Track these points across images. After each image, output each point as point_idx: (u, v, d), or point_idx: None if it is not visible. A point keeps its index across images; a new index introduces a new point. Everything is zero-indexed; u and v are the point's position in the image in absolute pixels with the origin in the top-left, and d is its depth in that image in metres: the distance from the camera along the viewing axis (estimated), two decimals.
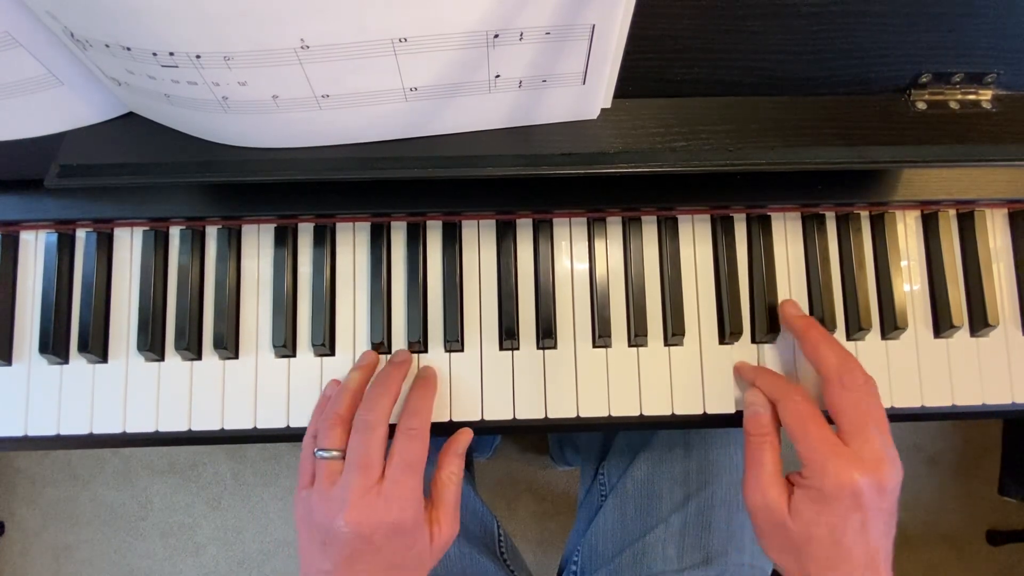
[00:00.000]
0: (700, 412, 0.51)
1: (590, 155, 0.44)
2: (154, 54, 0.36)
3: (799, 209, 0.53)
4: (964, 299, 0.53)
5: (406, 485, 0.44)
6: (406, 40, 0.37)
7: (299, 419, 0.50)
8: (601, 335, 0.51)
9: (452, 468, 0.49)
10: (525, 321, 0.52)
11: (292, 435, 0.51)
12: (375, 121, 0.43)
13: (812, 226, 0.53)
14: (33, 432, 0.50)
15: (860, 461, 0.42)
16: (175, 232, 0.52)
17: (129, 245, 0.52)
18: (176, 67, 0.37)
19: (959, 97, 0.47)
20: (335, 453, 0.45)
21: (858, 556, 0.42)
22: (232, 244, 0.52)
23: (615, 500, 0.64)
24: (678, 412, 0.51)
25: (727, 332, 0.51)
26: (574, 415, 0.51)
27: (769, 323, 0.52)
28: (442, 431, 0.50)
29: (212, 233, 0.52)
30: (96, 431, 0.50)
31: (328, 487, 0.44)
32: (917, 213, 0.54)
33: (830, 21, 0.43)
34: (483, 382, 0.51)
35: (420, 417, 0.46)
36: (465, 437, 0.50)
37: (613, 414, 0.51)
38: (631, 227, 0.52)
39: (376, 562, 0.44)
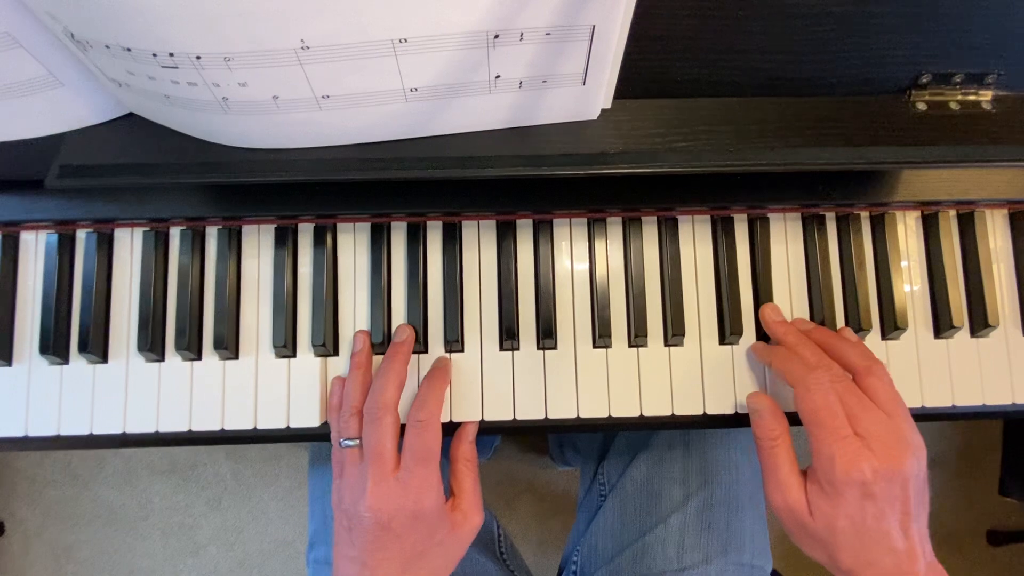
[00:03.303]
0: (700, 413, 0.51)
1: (590, 155, 0.45)
2: (154, 55, 0.36)
3: (799, 210, 0.53)
4: (964, 299, 0.53)
5: (419, 474, 0.45)
6: (406, 40, 0.37)
7: (299, 419, 0.50)
8: (601, 335, 0.51)
9: (465, 455, 0.50)
10: (525, 321, 0.52)
11: (292, 435, 0.51)
12: (375, 121, 0.43)
13: (812, 226, 0.53)
14: (33, 432, 0.50)
15: (867, 450, 0.42)
16: (175, 232, 0.52)
17: (129, 245, 0.52)
18: (176, 68, 0.37)
19: (959, 97, 0.47)
20: (356, 441, 0.47)
21: (885, 544, 0.42)
22: (232, 244, 0.52)
23: (615, 500, 0.64)
24: (678, 413, 0.51)
25: (727, 332, 0.51)
26: (574, 415, 0.51)
27: None
28: (443, 431, 0.50)
29: (212, 233, 0.52)
30: (96, 431, 0.50)
31: (353, 474, 0.46)
32: (917, 214, 0.54)
33: (830, 21, 0.43)
34: (483, 382, 0.51)
35: (427, 408, 0.47)
36: (471, 427, 0.51)
37: (613, 414, 0.51)
38: (631, 227, 0.52)
39: (399, 550, 0.45)
